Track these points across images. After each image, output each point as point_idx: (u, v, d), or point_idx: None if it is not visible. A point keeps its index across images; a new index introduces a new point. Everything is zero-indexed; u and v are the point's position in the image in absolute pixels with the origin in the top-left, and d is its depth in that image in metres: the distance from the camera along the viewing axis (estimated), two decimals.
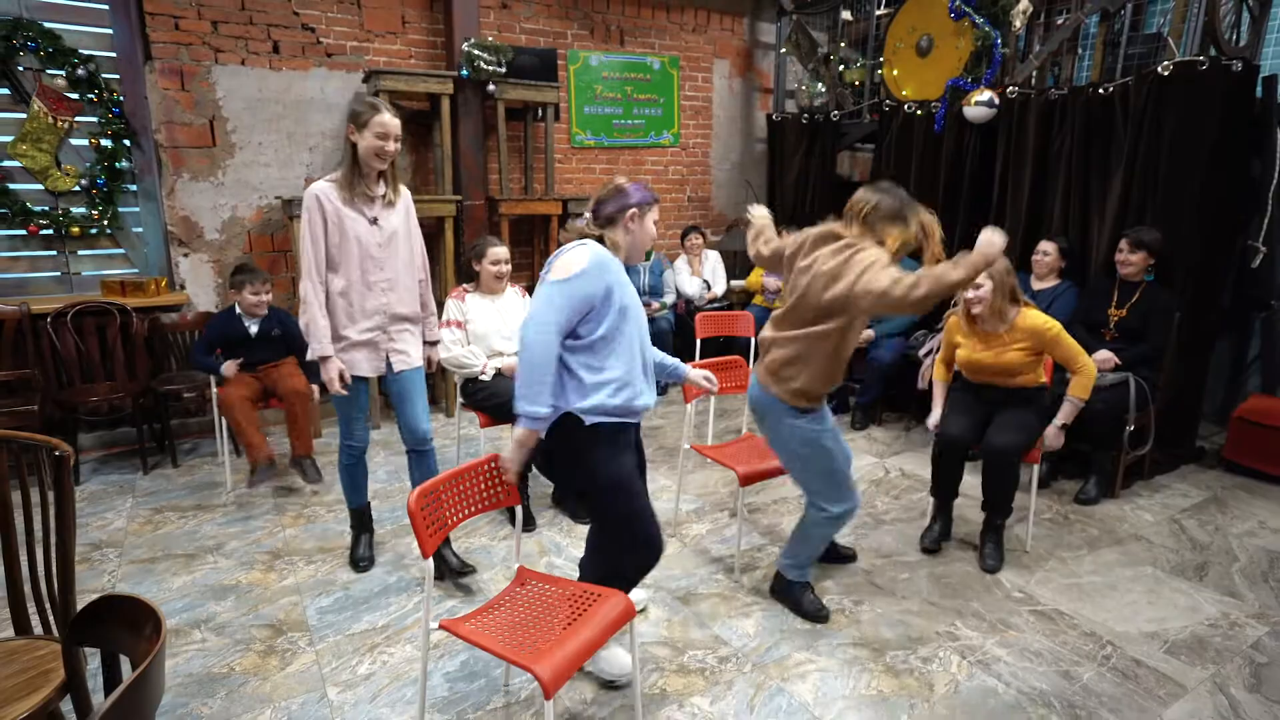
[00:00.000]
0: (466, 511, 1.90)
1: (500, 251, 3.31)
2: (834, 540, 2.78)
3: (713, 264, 5.28)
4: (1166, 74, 3.37)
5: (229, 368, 3.37)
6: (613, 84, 5.36)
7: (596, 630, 1.73)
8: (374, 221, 2.46)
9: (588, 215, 2.03)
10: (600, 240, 1.99)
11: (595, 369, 1.91)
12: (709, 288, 5.18)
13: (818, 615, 2.43)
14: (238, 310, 3.41)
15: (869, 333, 4.24)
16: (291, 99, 4.23)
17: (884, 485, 3.53)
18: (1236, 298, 3.95)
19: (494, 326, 3.29)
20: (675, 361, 2.30)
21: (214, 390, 3.45)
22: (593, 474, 1.95)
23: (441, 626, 1.71)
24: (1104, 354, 3.31)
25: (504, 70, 4.42)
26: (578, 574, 2.19)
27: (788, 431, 2.33)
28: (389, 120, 2.35)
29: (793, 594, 2.48)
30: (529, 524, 3.08)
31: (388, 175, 2.47)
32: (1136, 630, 2.38)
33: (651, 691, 2.11)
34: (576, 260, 1.87)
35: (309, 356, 2.46)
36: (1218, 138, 3.34)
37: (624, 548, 2.03)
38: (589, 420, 1.91)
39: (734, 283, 5.27)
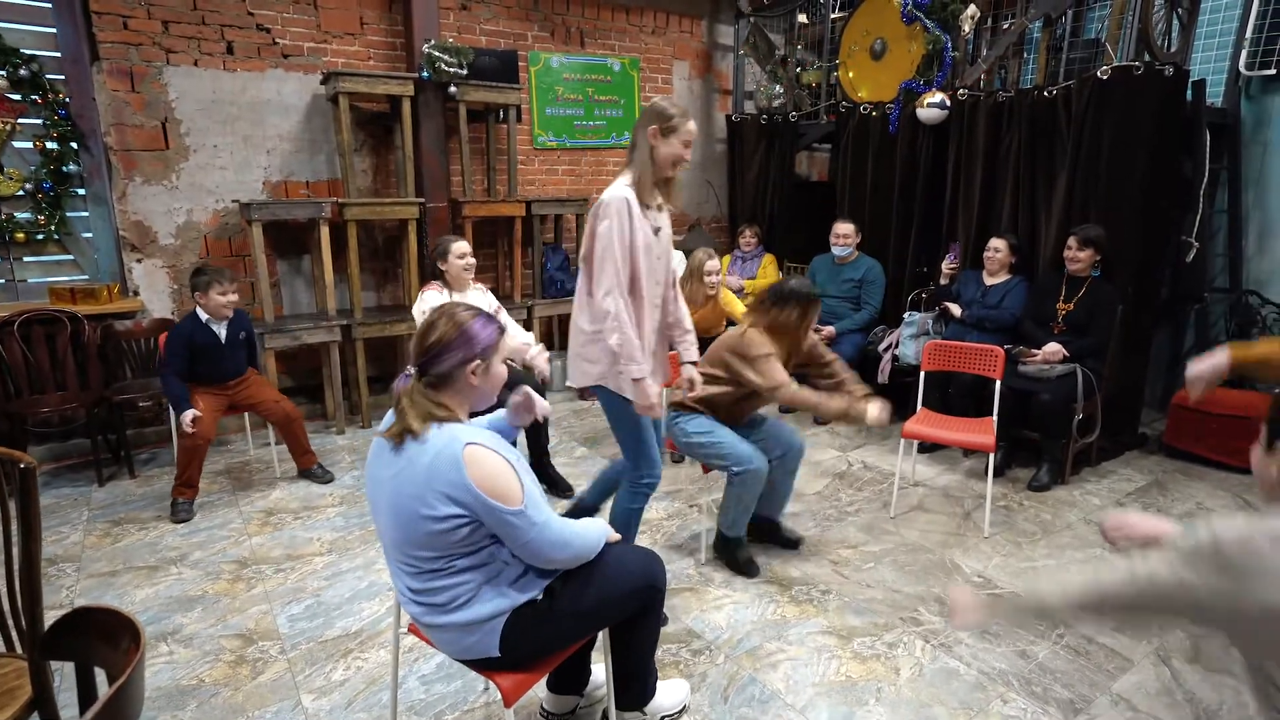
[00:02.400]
0: None
1: (462, 245, 3.35)
2: (779, 525, 2.93)
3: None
4: (1105, 78, 3.52)
5: (188, 419, 3.08)
6: (574, 85, 5.38)
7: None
8: (656, 231, 2.22)
9: (408, 371, 1.53)
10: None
11: None
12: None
13: (748, 568, 2.72)
14: (203, 316, 3.27)
15: (829, 330, 4.34)
16: (247, 101, 4.15)
17: (847, 478, 3.63)
18: (1173, 292, 4.16)
19: None
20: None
21: (172, 417, 3.38)
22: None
23: (410, 631, 1.72)
24: (1053, 346, 3.45)
25: (465, 72, 4.41)
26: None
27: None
28: (694, 129, 2.17)
29: (728, 549, 2.78)
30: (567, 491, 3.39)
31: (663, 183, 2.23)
32: None
33: None
34: (502, 474, 1.43)
35: (634, 376, 2.09)
36: (1153, 139, 3.51)
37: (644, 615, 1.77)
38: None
39: None
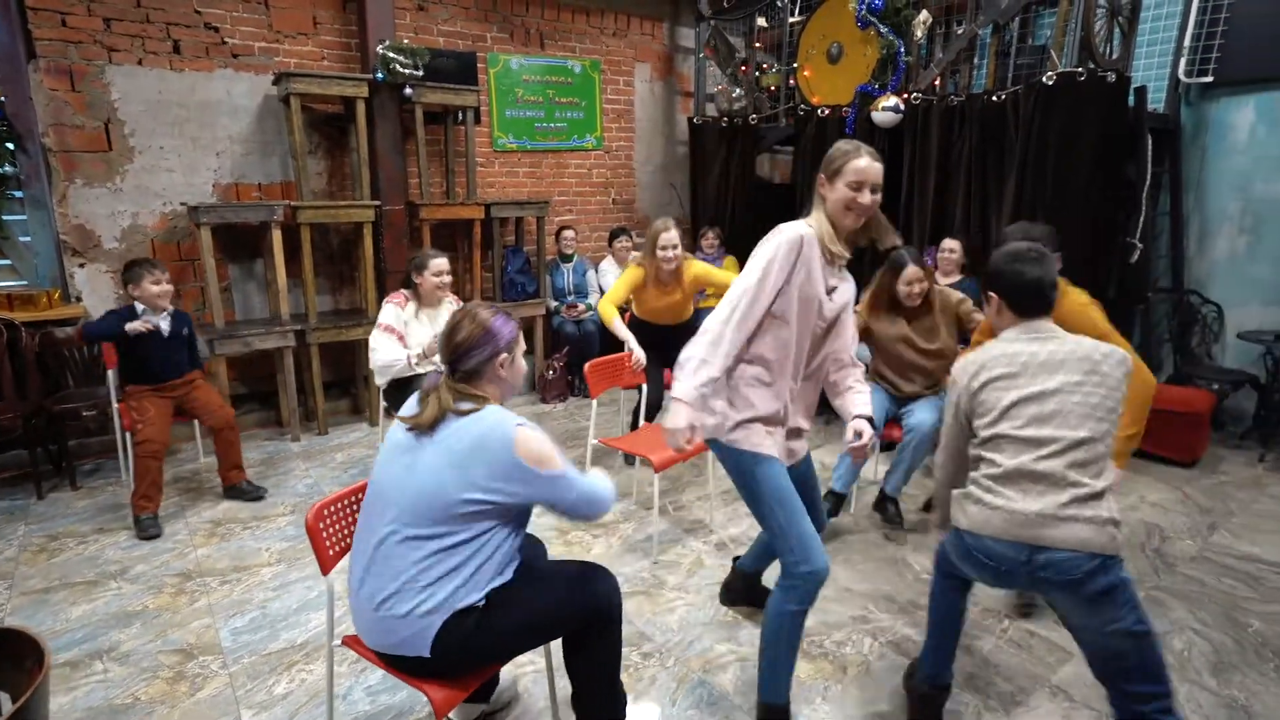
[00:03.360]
0: None
1: (442, 263, 3.30)
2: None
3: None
4: (1051, 83, 3.60)
5: (138, 326, 3.01)
6: (534, 87, 5.36)
7: None
8: (830, 291, 1.87)
9: (439, 367, 1.68)
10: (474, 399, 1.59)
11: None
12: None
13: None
14: (139, 309, 3.17)
15: None
16: (196, 101, 4.06)
17: None
18: (1120, 291, 4.26)
19: (431, 339, 3.29)
20: None
21: (118, 422, 3.30)
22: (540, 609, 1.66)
23: (344, 643, 1.69)
24: None
25: (421, 73, 4.36)
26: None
27: None
28: (864, 165, 1.76)
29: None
30: None
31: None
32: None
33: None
34: (545, 446, 1.57)
35: (675, 394, 1.75)
36: (1097, 143, 3.60)
37: (603, 629, 1.70)
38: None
39: None
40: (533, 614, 1.60)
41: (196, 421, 3.72)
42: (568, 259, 5.24)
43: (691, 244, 5.63)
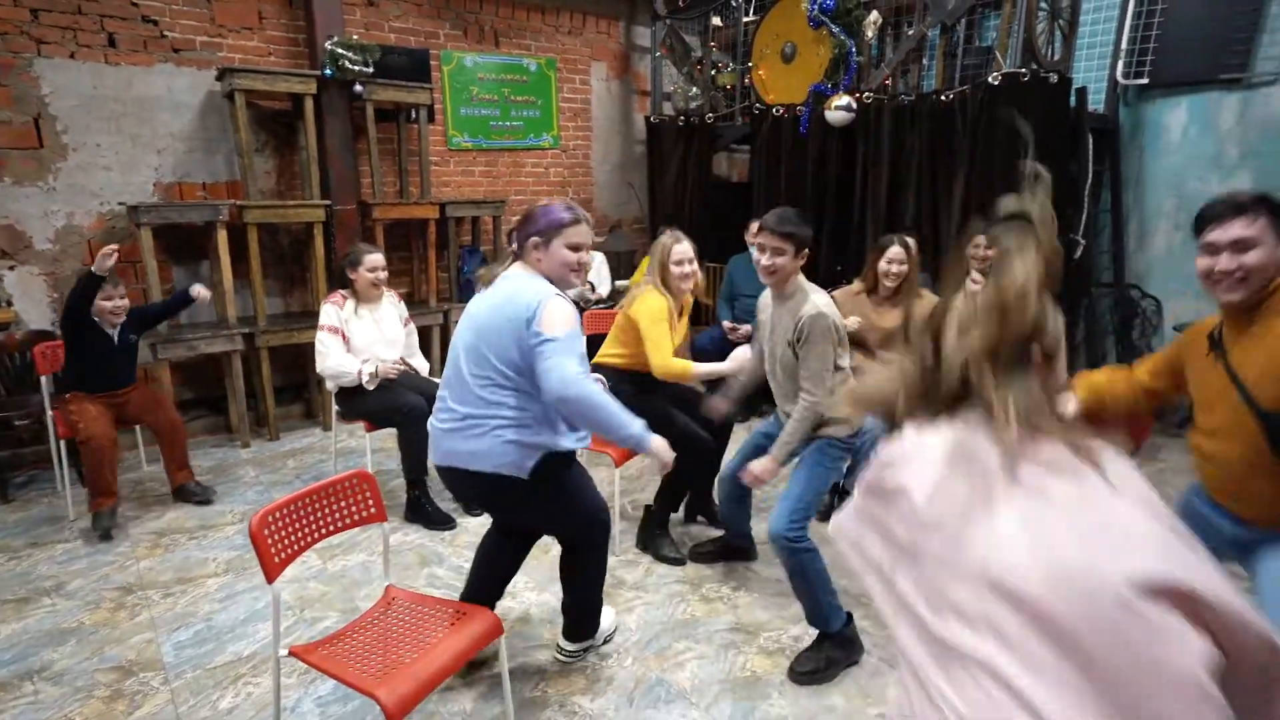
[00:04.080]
0: (323, 531, 1.83)
1: (377, 259, 3.24)
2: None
3: (598, 265, 5.31)
4: (996, 83, 3.69)
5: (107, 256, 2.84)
6: (489, 85, 5.30)
7: (457, 648, 1.71)
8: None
9: (511, 247, 2.02)
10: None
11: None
12: (594, 289, 5.21)
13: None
14: (94, 317, 3.05)
15: (746, 328, 4.40)
16: (133, 97, 3.92)
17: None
18: (1064, 287, 4.38)
19: (373, 338, 3.23)
20: None
21: (53, 431, 3.18)
22: (574, 499, 2.03)
23: (291, 653, 1.65)
24: None
25: (372, 70, 4.28)
26: (459, 593, 2.23)
27: None
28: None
29: None
30: (449, 523, 3.12)
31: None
32: None
33: (533, 695, 2.11)
34: (566, 314, 1.82)
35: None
36: (1040, 142, 3.69)
37: (597, 544, 2.12)
38: (567, 449, 1.97)
39: (619, 283, 5.32)
40: (570, 490, 2.00)
41: (139, 429, 3.60)
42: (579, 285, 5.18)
43: (650, 243, 5.63)
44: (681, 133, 5.48)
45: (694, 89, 5.59)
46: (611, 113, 5.97)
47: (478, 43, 5.19)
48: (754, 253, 4.64)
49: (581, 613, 2.20)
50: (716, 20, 5.46)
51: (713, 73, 5.49)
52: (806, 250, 2.22)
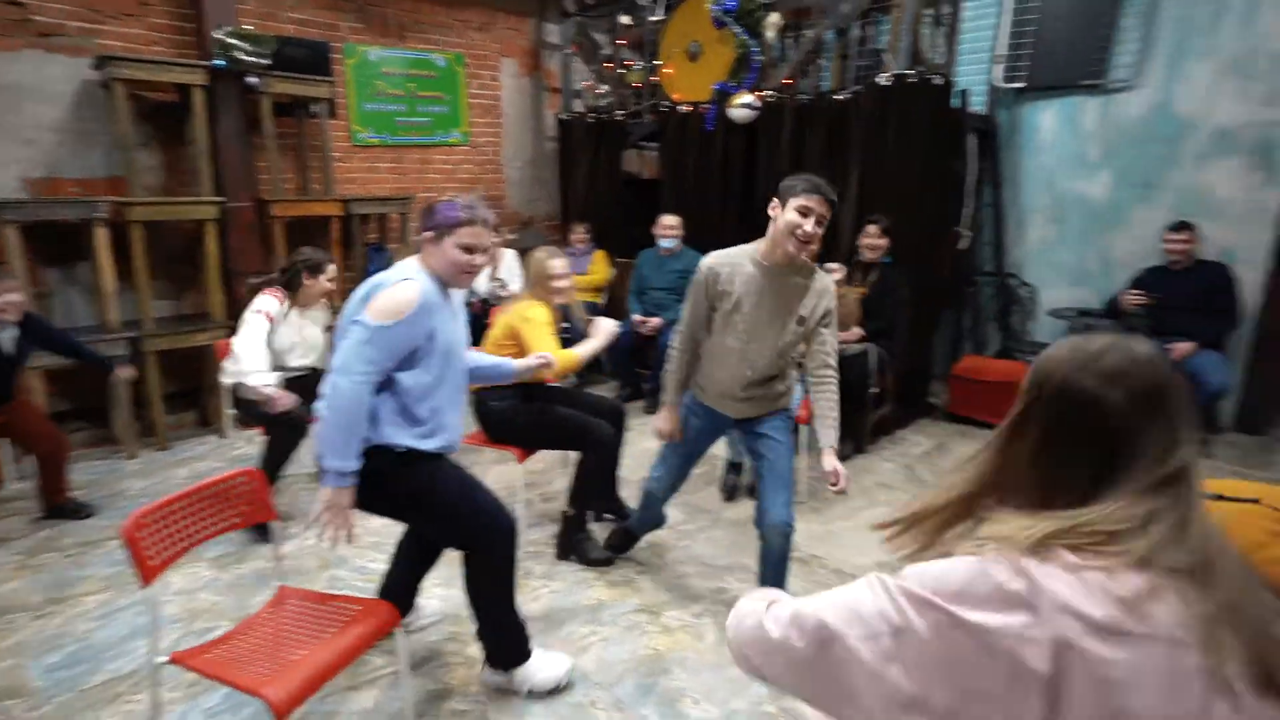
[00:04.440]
0: (207, 533, 1.78)
1: (334, 269, 3.26)
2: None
3: (509, 262, 5.28)
4: (886, 84, 3.89)
5: None
6: (395, 80, 5.19)
7: (350, 642, 1.69)
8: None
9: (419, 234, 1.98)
10: None
11: (410, 415, 1.82)
12: (504, 286, 5.18)
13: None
14: None
15: (655, 320, 4.48)
16: None
17: None
18: (952, 276, 4.66)
19: (293, 342, 3.16)
20: (497, 361, 2.26)
21: None
22: (441, 502, 1.88)
23: (173, 660, 1.59)
24: (852, 330, 3.76)
25: (268, 61, 4.13)
26: (379, 590, 2.15)
27: None
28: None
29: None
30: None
31: None
32: (872, 561, 2.75)
33: (436, 688, 2.10)
34: (405, 299, 1.71)
35: None
36: (927, 140, 3.92)
37: (494, 554, 1.94)
38: (402, 448, 1.83)
39: None
40: (446, 488, 1.88)
41: (9, 441, 3.36)
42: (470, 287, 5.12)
43: (562, 240, 5.64)
44: (592, 130, 5.52)
45: (604, 86, 5.63)
46: (522, 109, 5.95)
47: (382, 36, 5.08)
48: (662, 243, 4.70)
49: (494, 635, 2.02)
50: (625, 18, 5.52)
51: (621, 70, 5.55)
52: None
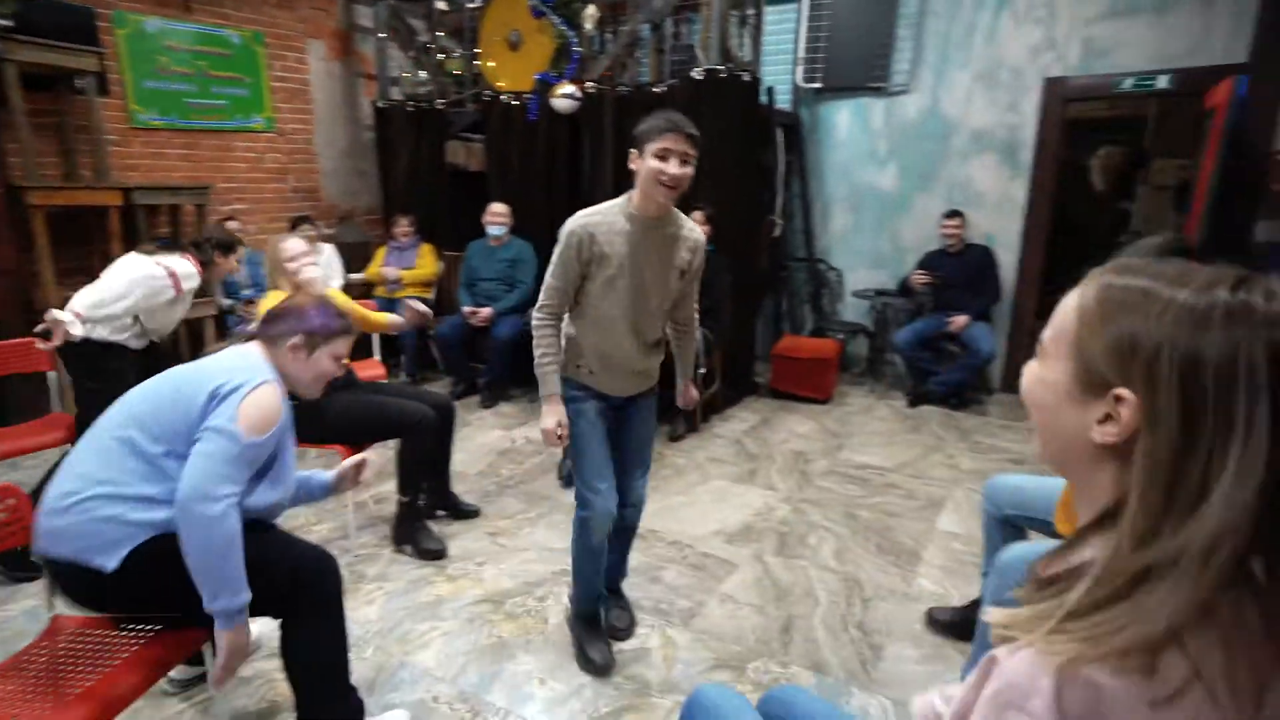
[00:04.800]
0: None
1: (245, 251, 3.18)
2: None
3: (328, 257, 4.96)
4: (700, 79, 4.09)
5: None
6: (182, 57, 4.67)
7: (148, 663, 1.54)
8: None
9: (254, 326, 1.78)
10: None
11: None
12: (325, 282, 4.87)
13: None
14: None
15: (486, 311, 4.42)
16: None
17: (510, 454, 3.74)
18: (769, 261, 5.02)
19: (178, 321, 2.98)
20: (308, 475, 1.93)
21: None
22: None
23: None
24: None
25: (10, 24, 3.56)
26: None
27: None
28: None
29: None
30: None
31: None
32: (706, 531, 2.91)
33: (259, 707, 1.95)
34: (273, 408, 1.57)
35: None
36: (740, 133, 4.18)
37: (320, 602, 1.67)
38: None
39: (352, 276, 5.03)
40: (249, 557, 1.51)
41: None
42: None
43: (386, 233, 5.39)
44: (412, 119, 5.31)
45: (422, 74, 5.43)
46: (334, 95, 5.59)
47: (161, 6, 4.55)
48: (491, 231, 4.61)
49: (317, 708, 1.68)
50: (442, 4, 5.36)
51: (440, 58, 5.39)
52: None
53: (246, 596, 1.49)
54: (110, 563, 1.47)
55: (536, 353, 1.98)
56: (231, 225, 4.67)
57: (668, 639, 2.25)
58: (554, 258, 1.93)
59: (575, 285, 1.93)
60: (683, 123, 1.81)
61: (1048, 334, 0.69)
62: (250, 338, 1.74)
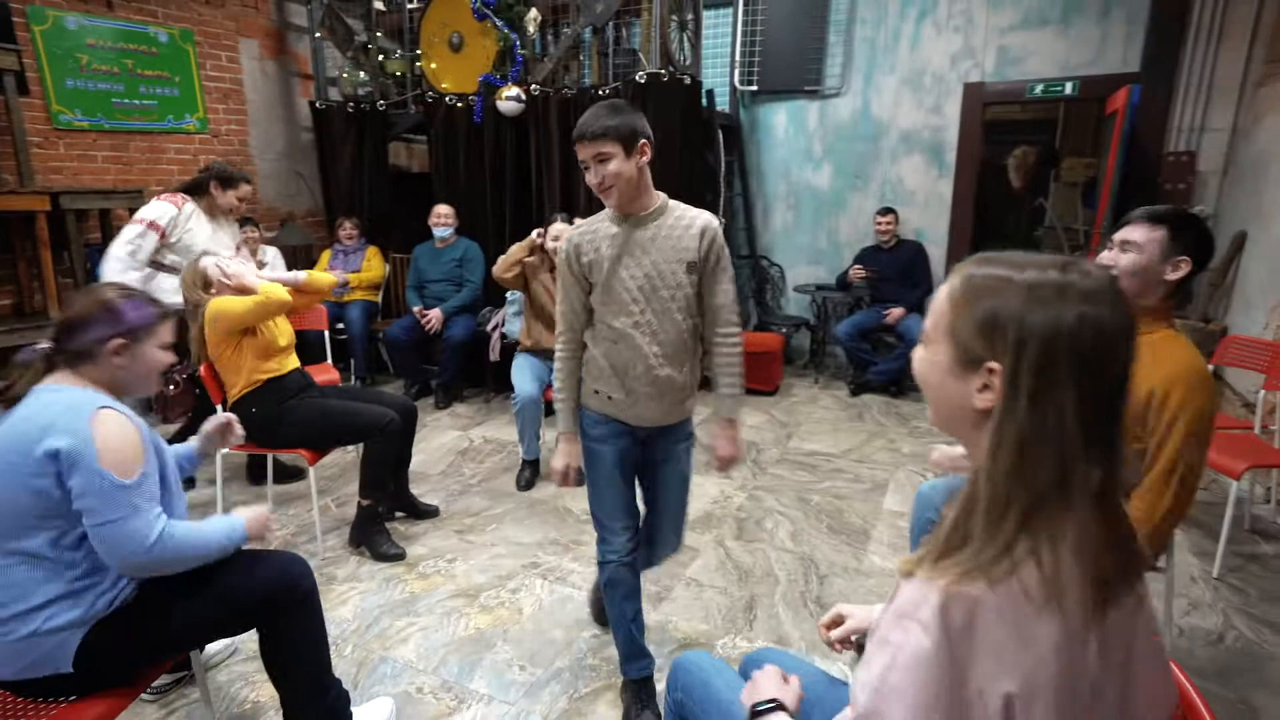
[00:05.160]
0: None
1: (250, 189, 3.32)
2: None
3: (271, 260, 4.87)
4: (643, 82, 4.21)
5: None
6: (106, 55, 4.50)
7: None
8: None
9: (42, 344, 1.45)
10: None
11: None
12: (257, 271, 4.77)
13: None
14: None
15: (436, 312, 4.44)
16: None
17: (470, 454, 3.78)
18: None
19: (207, 245, 3.04)
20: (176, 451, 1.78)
21: None
22: (222, 597, 1.54)
23: None
24: None
25: None
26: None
27: None
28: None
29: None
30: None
31: None
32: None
33: (241, 710, 1.97)
34: (127, 437, 1.39)
35: None
36: (683, 135, 4.31)
37: (301, 613, 1.65)
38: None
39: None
40: (208, 597, 1.47)
41: None
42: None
43: (328, 236, 5.31)
44: (353, 119, 5.25)
45: (361, 74, 5.37)
46: (269, 96, 5.46)
47: (83, 2, 4.37)
48: (437, 233, 4.65)
49: (307, 706, 1.69)
50: (379, 4, 5.30)
51: (380, 59, 5.34)
52: (645, 143, 1.71)
53: (226, 524, 1.55)
54: (64, 666, 1.38)
55: (554, 384, 1.91)
56: None
57: None
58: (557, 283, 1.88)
59: (583, 302, 1.83)
60: (585, 127, 1.68)
61: (928, 323, 0.81)
62: (47, 361, 1.46)
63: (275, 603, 1.60)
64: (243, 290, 2.61)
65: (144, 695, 1.95)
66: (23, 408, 1.38)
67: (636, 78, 4.20)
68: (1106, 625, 0.72)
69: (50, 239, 3.95)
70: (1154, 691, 0.78)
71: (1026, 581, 0.69)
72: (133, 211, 4.33)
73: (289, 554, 1.71)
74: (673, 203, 1.84)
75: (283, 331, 2.73)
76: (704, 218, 1.82)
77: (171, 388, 4.32)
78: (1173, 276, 1.57)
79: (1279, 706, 1.97)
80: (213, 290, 2.61)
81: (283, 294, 2.59)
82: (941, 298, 0.79)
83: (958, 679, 0.69)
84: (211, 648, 2.13)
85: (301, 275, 2.98)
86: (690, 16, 4.59)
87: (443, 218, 4.58)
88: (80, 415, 1.35)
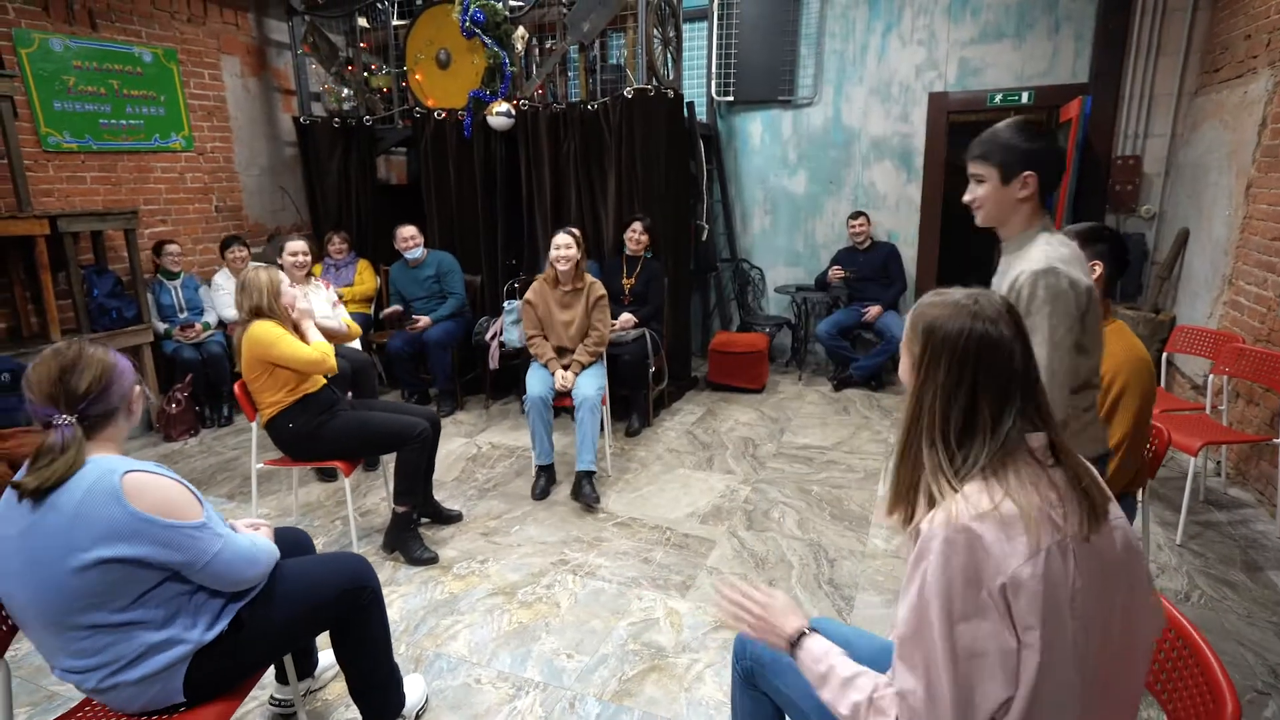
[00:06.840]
0: None
1: (299, 244, 3.85)
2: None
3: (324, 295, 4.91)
4: (629, 96, 4.39)
5: None
6: (91, 76, 4.50)
7: None
8: None
9: (67, 419, 1.36)
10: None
11: (199, 601, 1.56)
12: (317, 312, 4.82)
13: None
14: None
15: (425, 319, 4.55)
16: None
17: (480, 460, 3.92)
18: (698, 264, 5.39)
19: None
20: None
21: None
22: (299, 603, 1.66)
23: None
24: (625, 316, 4.22)
25: None
26: None
27: None
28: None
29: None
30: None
31: None
32: (681, 514, 3.23)
33: (314, 705, 2.10)
34: (168, 490, 1.40)
35: None
36: (668, 146, 4.51)
37: (365, 606, 1.78)
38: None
39: None
40: (290, 617, 1.61)
41: None
42: (173, 275, 4.59)
43: (318, 251, 5.37)
44: (339, 135, 5.32)
45: (346, 90, 5.44)
46: (253, 112, 5.49)
47: (66, 23, 4.36)
48: (407, 255, 4.72)
49: (377, 690, 1.85)
50: (363, 21, 5.38)
51: (365, 74, 5.41)
52: (1031, 174, 1.56)
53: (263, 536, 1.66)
54: (176, 697, 1.46)
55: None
56: (171, 249, 4.57)
57: (670, 609, 2.55)
58: None
59: None
60: (974, 144, 1.64)
61: (903, 340, 1.15)
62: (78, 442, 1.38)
63: (349, 600, 1.74)
64: (297, 329, 2.74)
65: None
66: (55, 500, 1.32)
67: (624, 93, 4.38)
68: (1088, 547, 0.98)
69: (48, 263, 3.96)
70: (1136, 612, 1.03)
71: (1004, 512, 0.97)
72: (129, 234, 4.38)
73: (349, 554, 1.89)
74: (1031, 235, 1.62)
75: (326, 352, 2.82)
76: (1029, 258, 1.55)
77: (174, 406, 4.36)
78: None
79: (1238, 652, 2.26)
80: (280, 303, 2.72)
81: (331, 364, 2.73)
82: (906, 324, 1.14)
83: (972, 577, 0.96)
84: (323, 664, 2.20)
85: (343, 328, 3.42)
86: (673, 33, 4.79)
87: (408, 240, 4.60)
88: (117, 501, 1.32)
